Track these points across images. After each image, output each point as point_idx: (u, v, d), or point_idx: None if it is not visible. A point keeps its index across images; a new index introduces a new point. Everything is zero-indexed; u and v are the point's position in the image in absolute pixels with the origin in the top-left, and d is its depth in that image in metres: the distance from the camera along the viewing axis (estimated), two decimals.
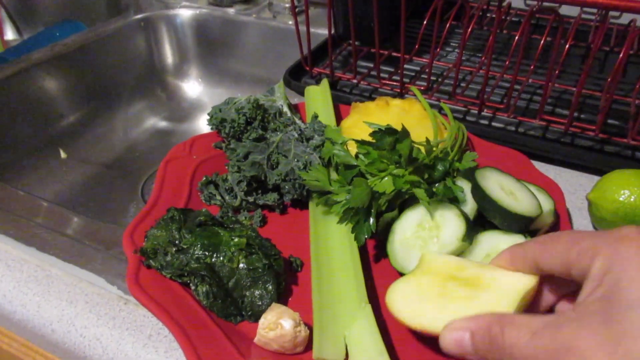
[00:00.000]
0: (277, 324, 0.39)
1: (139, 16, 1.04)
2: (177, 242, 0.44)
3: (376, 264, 0.49)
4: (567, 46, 0.64)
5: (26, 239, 0.53)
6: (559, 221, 0.51)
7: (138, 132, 1.02)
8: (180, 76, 1.09)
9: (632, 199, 0.49)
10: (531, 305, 0.37)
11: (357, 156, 0.51)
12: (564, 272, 0.32)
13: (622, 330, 0.26)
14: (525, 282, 0.38)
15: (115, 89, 1.01)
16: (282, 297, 0.45)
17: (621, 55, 0.55)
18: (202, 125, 1.04)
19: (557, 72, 0.73)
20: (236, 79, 1.07)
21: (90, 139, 0.95)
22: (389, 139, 0.48)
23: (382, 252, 0.48)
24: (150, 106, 1.05)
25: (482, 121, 0.68)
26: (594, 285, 0.30)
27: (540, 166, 0.62)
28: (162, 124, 1.04)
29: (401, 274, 0.46)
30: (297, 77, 0.76)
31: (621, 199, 0.50)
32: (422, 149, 0.52)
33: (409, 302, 0.39)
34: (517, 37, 0.67)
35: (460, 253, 0.46)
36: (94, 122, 0.97)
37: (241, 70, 1.06)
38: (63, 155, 0.90)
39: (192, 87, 1.09)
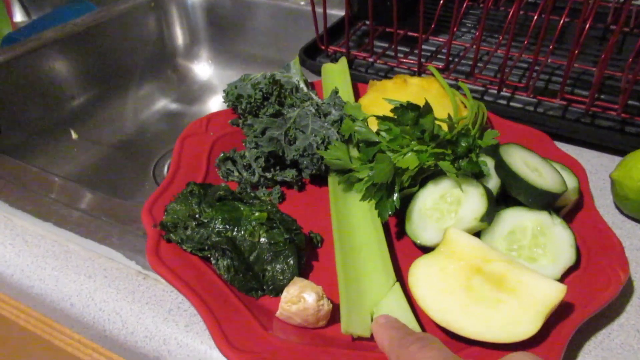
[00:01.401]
0: (299, 298, 0.39)
1: None
2: (197, 216, 0.44)
3: (398, 241, 0.48)
4: (587, 26, 0.63)
5: (43, 214, 0.53)
6: (583, 199, 0.50)
7: (149, 113, 1.01)
8: (190, 58, 1.08)
9: None
10: None
11: (377, 133, 0.51)
12: None
13: None
14: (554, 293, 0.37)
15: (126, 70, 1.00)
16: (303, 272, 0.44)
17: None
18: (213, 107, 1.03)
19: (576, 52, 0.71)
20: (247, 61, 1.06)
21: (101, 120, 0.94)
22: (412, 114, 0.47)
23: (404, 229, 0.47)
24: (161, 88, 1.04)
25: (501, 101, 0.67)
26: None
27: (561, 146, 0.61)
28: (173, 105, 1.03)
29: (417, 246, 0.46)
30: (311, 56, 0.75)
31: None
32: (443, 126, 0.51)
33: (432, 290, 0.39)
34: (536, 16, 0.66)
35: (482, 230, 0.45)
36: (104, 103, 0.96)
37: (252, 52, 1.05)
38: (74, 136, 0.89)
39: (203, 69, 1.08)
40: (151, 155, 0.92)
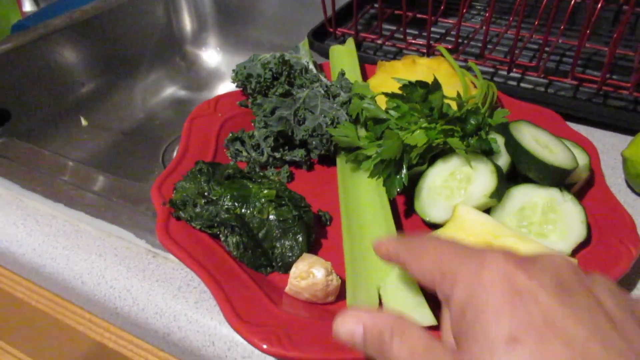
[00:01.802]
0: (308, 273, 0.39)
1: None
2: (206, 193, 0.44)
3: (407, 219, 0.48)
4: (599, 5, 0.62)
5: (54, 195, 0.53)
6: (594, 177, 0.50)
7: (157, 100, 1.01)
8: (198, 45, 1.08)
9: None
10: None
11: (386, 112, 0.50)
12: (431, 289, 0.28)
13: None
14: None
15: (134, 57, 1.00)
16: (312, 249, 0.44)
17: None
18: (221, 93, 1.03)
19: (588, 32, 0.71)
20: (255, 48, 1.05)
21: (110, 107, 0.95)
22: (421, 90, 0.47)
23: (412, 207, 0.47)
24: (169, 75, 1.04)
25: (511, 82, 0.66)
26: (457, 316, 0.26)
27: (572, 126, 0.60)
28: (181, 92, 1.04)
29: (426, 224, 0.46)
30: (320, 39, 0.75)
31: None
32: (453, 104, 0.51)
33: None
34: None
35: (491, 208, 0.45)
36: (113, 90, 0.96)
37: (260, 39, 1.05)
38: (84, 122, 0.90)
39: (211, 56, 1.08)
40: (160, 141, 0.93)
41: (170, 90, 1.03)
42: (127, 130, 0.93)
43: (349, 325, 0.29)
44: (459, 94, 0.49)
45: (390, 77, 0.58)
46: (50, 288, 0.50)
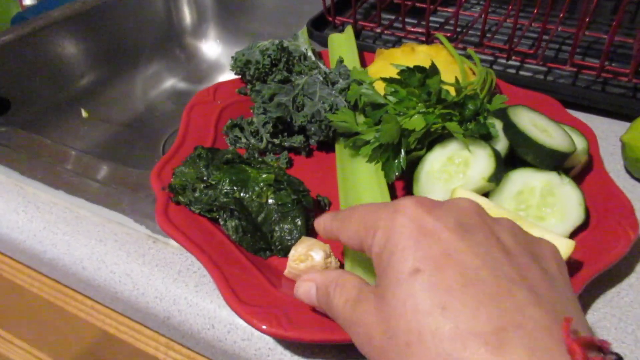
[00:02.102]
0: (307, 256, 0.39)
1: None
2: (205, 178, 0.44)
3: None
4: None
5: (54, 182, 0.53)
6: (592, 162, 0.50)
7: (157, 92, 1.01)
8: (198, 37, 1.08)
9: None
10: None
11: (385, 97, 0.50)
12: (360, 249, 0.31)
13: (391, 308, 0.26)
14: (562, 248, 0.37)
15: (134, 49, 1.00)
16: (310, 233, 0.44)
17: None
18: None
19: (587, 20, 0.71)
20: (255, 39, 1.04)
21: (110, 98, 0.95)
22: (418, 75, 0.47)
23: (411, 192, 0.47)
24: (169, 67, 1.04)
25: (510, 69, 0.66)
26: (377, 260, 0.29)
27: (571, 113, 0.60)
28: (181, 84, 1.04)
29: None
30: (319, 28, 0.75)
31: None
32: (451, 90, 0.51)
33: None
34: None
35: (490, 192, 0.45)
36: (113, 82, 0.96)
37: (260, 30, 1.05)
38: (84, 114, 0.90)
39: (211, 47, 1.08)
40: (160, 133, 0.93)
41: (170, 82, 1.03)
42: (127, 122, 0.93)
43: (304, 286, 0.34)
44: (457, 80, 0.50)
45: (388, 64, 0.58)
46: (51, 274, 0.50)
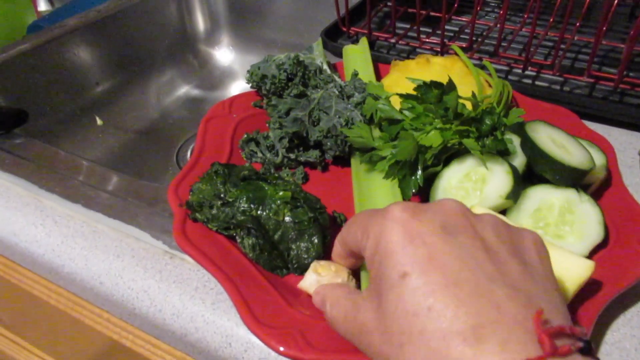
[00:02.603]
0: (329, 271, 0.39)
1: None
2: (222, 195, 0.44)
3: None
4: (615, 1, 0.61)
5: (72, 196, 0.54)
6: (611, 177, 0.49)
7: (171, 99, 1.02)
8: (211, 44, 1.08)
9: None
10: None
11: (400, 112, 0.50)
12: (359, 252, 0.33)
13: (385, 312, 0.28)
14: (582, 270, 0.37)
15: (148, 57, 1.01)
16: (327, 250, 0.44)
17: None
18: (235, 92, 1.03)
19: (604, 28, 0.70)
20: (268, 46, 1.06)
21: (124, 106, 0.95)
22: (435, 91, 0.47)
23: None
24: (183, 74, 1.05)
25: (526, 80, 0.66)
26: (370, 264, 0.31)
27: (588, 125, 0.59)
28: (195, 91, 1.04)
29: None
30: (333, 38, 0.75)
31: None
32: (468, 104, 0.51)
33: None
34: None
35: (507, 209, 0.45)
36: (128, 90, 0.97)
37: (273, 37, 1.05)
38: (99, 122, 0.91)
39: (224, 54, 1.08)
40: (174, 140, 0.93)
41: (184, 89, 1.04)
42: (141, 129, 0.94)
43: (318, 298, 0.36)
44: (473, 94, 0.49)
45: (404, 77, 0.57)
46: (68, 288, 0.51)
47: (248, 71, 0.59)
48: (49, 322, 0.63)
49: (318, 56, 0.60)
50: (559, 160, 0.43)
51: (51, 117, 0.84)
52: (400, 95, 0.49)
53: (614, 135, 0.60)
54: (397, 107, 0.51)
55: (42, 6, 1.27)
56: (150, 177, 0.85)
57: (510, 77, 0.67)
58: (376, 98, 0.51)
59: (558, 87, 0.64)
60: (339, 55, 0.70)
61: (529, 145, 0.45)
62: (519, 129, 0.48)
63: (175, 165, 0.88)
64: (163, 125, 0.97)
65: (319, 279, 0.38)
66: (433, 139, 0.46)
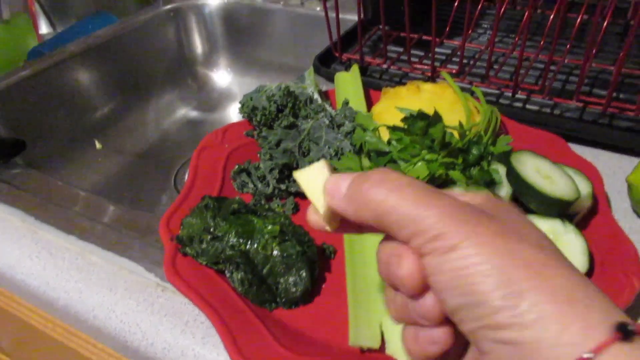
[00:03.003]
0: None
1: (168, 7, 1.05)
2: (212, 229, 0.45)
3: None
4: (605, 23, 0.62)
5: (66, 227, 0.55)
6: (598, 204, 0.50)
7: (170, 122, 1.03)
8: (209, 66, 1.10)
9: None
10: None
11: (389, 142, 0.51)
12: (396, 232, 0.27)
13: None
14: None
15: (147, 80, 1.02)
16: (316, 283, 0.45)
17: None
18: (232, 114, 1.04)
19: (594, 51, 0.71)
20: (265, 68, 1.07)
21: (123, 129, 0.97)
22: (421, 123, 0.47)
23: None
24: (181, 96, 1.06)
25: (516, 104, 0.67)
26: None
27: (578, 148, 0.60)
28: (193, 113, 1.05)
29: None
30: (326, 64, 0.76)
31: None
32: (455, 133, 0.51)
33: None
34: (552, 16, 0.65)
35: None
36: (126, 113, 0.98)
37: (270, 59, 1.06)
38: (98, 145, 0.92)
39: (222, 76, 1.10)
40: (173, 162, 0.94)
41: (183, 111, 1.05)
42: (140, 152, 0.95)
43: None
44: (461, 124, 0.50)
45: (394, 105, 0.58)
46: (64, 320, 0.51)
47: (240, 102, 0.60)
48: (45, 351, 0.64)
49: (309, 85, 0.61)
50: (543, 192, 0.44)
51: (50, 141, 0.85)
52: (388, 127, 0.50)
53: (603, 159, 0.60)
54: (387, 135, 0.52)
55: (44, 29, 1.29)
56: (148, 200, 0.86)
57: (501, 100, 0.67)
58: (365, 129, 0.52)
59: (548, 110, 0.65)
60: (332, 80, 0.71)
61: (514, 177, 0.46)
62: (505, 159, 0.48)
63: (172, 188, 0.89)
64: (162, 147, 0.98)
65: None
66: (420, 170, 0.47)
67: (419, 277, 0.26)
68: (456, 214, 0.25)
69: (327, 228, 0.31)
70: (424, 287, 0.26)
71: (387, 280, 0.28)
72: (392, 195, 0.26)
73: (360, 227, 0.30)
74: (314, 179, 0.31)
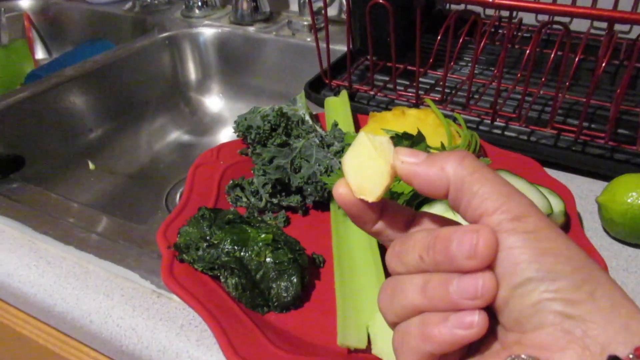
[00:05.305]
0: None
1: (164, 35, 1.09)
2: (208, 237, 0.47)
3: None
4: (577, 59, 0.67)
5: (64, 238, 0.57)
6: (570, 222, 0.53)
7: (162, 145, 1.06)
8: (202, 91, 1.13)
9: (639, 201, 0.52)
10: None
11: None
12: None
13: None
14: None
15: (141, 104, 1.06)
16: (306, 289, 0.48)
17: (629, 67, 0.58)
18: (224, 138, 1.07)
19: (567, 84, 0.75)
20: (256, 94, 1.11)
21: (117, 151, 0.99)
22: (405, 142, 0.51)
23: None
24: (174, 120, 1.09)
25: (495, 130, 0.71)
26: None
27: (552, 173, 0.64)
28: (185, 137, 1.08)
29: None
30: (316, 90, 0.79)
31: (629, 200, 0.52)
32: None
33: None
34: (528, 51, 0.70)
35: None
36: (120, 136, 1.01)
37: (261, 86, 1.10)
38: (91, 166, 0.94)
39: (214, 102, 1.13)
40: (164, 184, 0.97)
41: (175, 135, 1.08)
42: (132, 174, 0.97)
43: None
44: (443, 145, 0.54)
45: (380, 127, 0.62)
46: (59, 327, 0.53)
47: (235, 121, 0.63)
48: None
49: (301, 108, 0.65)
50: None
51: (46, 161, 0.87)
52: None
53: (577, 182, 0.64)
54: None
55: (40, 54, 1.32)
56: (140, 220, 0.88)
57: (481, 127, 0.72)
58: None
59: (525, 137, 0.69)
60: (322, 105, 0.75)
61: None
62: None
63: (164, 208, 0.91)
64: (154, 169, 1.00)
65: None
66: (404, 186, 0.50)
67: (497, 249, 0.26)
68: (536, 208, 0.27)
69: (366, 198, 0.29)
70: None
71: (441, 261, 0.27)
72: (486, 169, 0.28)
73: (382, 213, 0.31)
74: (367, 157, 0.29)
